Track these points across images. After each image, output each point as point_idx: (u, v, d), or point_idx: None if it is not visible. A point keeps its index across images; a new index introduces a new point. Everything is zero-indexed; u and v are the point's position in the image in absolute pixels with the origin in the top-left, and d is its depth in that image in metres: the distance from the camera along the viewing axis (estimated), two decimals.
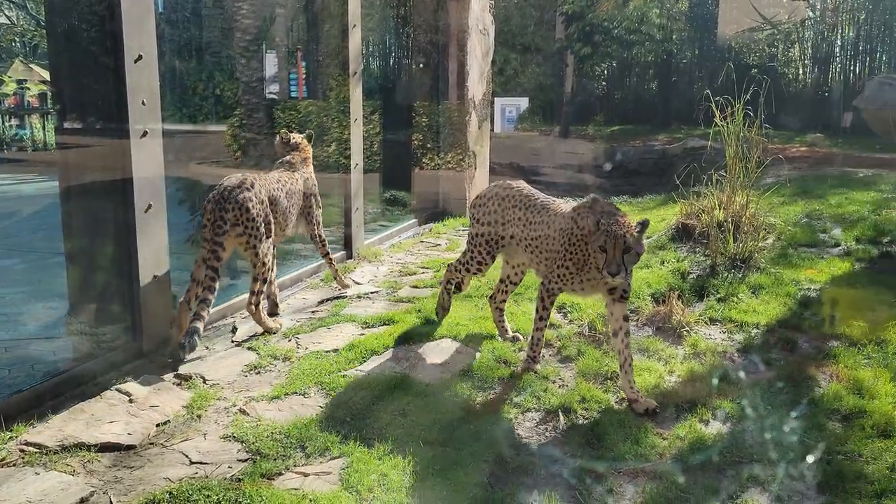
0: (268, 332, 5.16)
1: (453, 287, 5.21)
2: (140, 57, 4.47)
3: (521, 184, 4.81)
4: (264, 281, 5.13)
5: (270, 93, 8.64)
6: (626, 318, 4.20)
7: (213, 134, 8.17)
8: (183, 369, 4.50)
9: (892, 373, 4.31)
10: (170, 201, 4.85)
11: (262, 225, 5.03)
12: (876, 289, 5.51)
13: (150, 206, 4.61)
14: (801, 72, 17.59)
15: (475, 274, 4.98)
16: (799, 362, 4.57)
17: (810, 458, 3.54)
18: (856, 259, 6.23)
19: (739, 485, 3.39)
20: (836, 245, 6.66)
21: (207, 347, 4.92)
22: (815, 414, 3.95)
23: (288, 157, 5.77)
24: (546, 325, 4.54)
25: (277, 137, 5.93)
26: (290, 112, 8.73)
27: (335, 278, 6.23)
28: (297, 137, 5.88)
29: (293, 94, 8.87)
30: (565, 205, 4.51)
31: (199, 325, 4.63)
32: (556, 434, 3.84)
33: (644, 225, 3.95)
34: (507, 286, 5.04)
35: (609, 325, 4.33)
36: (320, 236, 6.02)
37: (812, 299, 5.45)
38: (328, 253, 6.15)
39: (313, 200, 5.88)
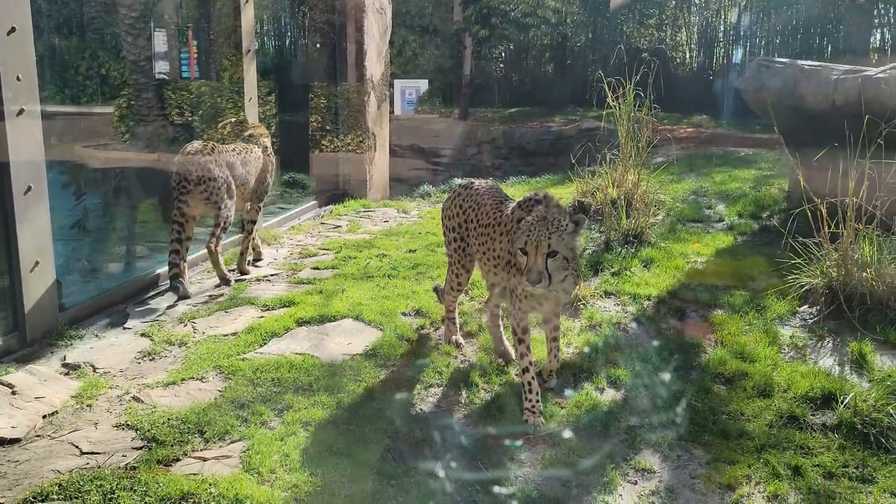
0: (222, 279, 5.69)
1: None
2: (13, 29, 4.22)
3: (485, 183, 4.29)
4: (225, 229, 5.68)
5: (160, 73, 8.27)
6: (556, 315, 3.97)
7: (100, 115, 7.76)
8: (70, 358, 4.30)
9: (770, 338, 4.58)
10: (54, 185, 4.62)
11: (224, 185, 5.59)
12: (756, 260, 5.83)
13: (29, 189, 4.37)
14: (688, 55, 18.33)
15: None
16: (687, 330, 4.79)
17: (698, 419, 3.74)
18: (738, 233, 6.58)
19: (632, 447, 3.54)
20: (721, 220, 7.01)
21: (97, 335, 4.72)
22: (701, 378, 4.16)
23: (249, 131, 6.31)
24: (528, 363, 3.74)
25: (236, 119, 6.49)
26: (182, 93, 8.39)
27: (241, 254, 6.13)
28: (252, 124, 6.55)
29: (185, 74, 8.53)
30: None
31: (177, 270, 5.41)
32: (458, 408, 3.90)
33: (578, 223, 3.41)
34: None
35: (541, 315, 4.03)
36: (259, 208, 6.37)
37: (699, 271, 5.72)
38: (255, 221, 6.30)
39: (270, 168, 6.35)
